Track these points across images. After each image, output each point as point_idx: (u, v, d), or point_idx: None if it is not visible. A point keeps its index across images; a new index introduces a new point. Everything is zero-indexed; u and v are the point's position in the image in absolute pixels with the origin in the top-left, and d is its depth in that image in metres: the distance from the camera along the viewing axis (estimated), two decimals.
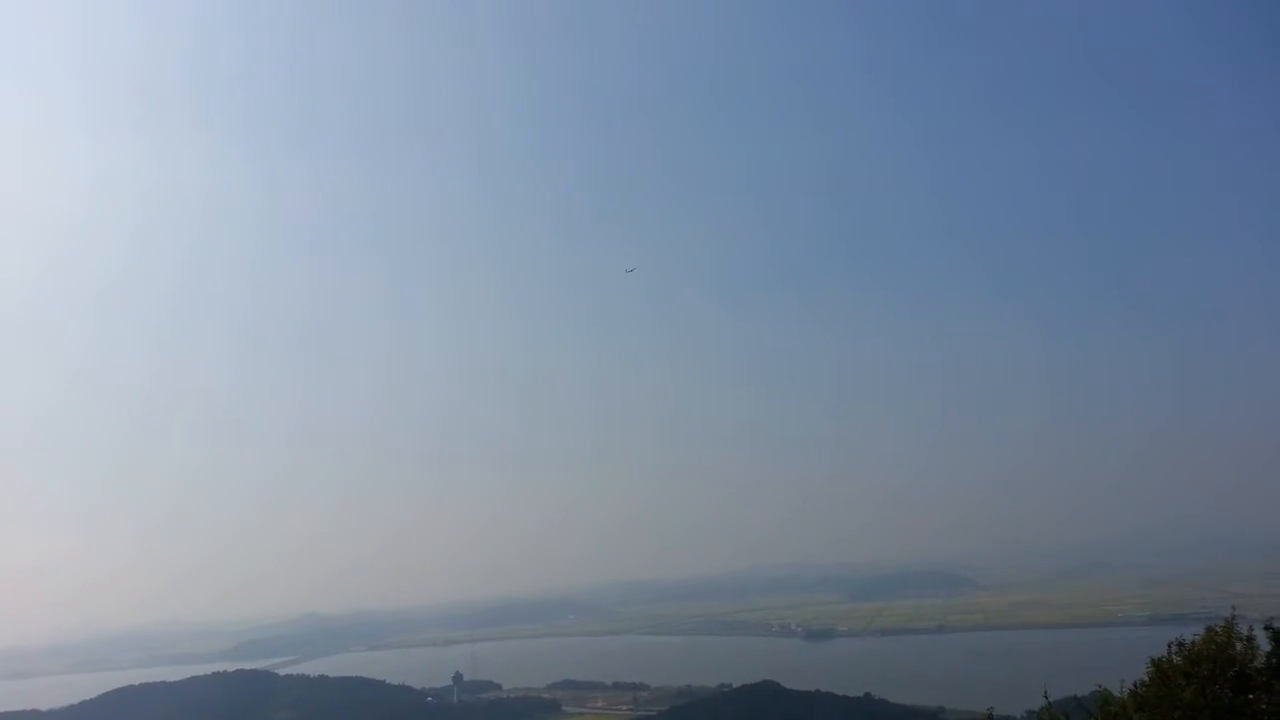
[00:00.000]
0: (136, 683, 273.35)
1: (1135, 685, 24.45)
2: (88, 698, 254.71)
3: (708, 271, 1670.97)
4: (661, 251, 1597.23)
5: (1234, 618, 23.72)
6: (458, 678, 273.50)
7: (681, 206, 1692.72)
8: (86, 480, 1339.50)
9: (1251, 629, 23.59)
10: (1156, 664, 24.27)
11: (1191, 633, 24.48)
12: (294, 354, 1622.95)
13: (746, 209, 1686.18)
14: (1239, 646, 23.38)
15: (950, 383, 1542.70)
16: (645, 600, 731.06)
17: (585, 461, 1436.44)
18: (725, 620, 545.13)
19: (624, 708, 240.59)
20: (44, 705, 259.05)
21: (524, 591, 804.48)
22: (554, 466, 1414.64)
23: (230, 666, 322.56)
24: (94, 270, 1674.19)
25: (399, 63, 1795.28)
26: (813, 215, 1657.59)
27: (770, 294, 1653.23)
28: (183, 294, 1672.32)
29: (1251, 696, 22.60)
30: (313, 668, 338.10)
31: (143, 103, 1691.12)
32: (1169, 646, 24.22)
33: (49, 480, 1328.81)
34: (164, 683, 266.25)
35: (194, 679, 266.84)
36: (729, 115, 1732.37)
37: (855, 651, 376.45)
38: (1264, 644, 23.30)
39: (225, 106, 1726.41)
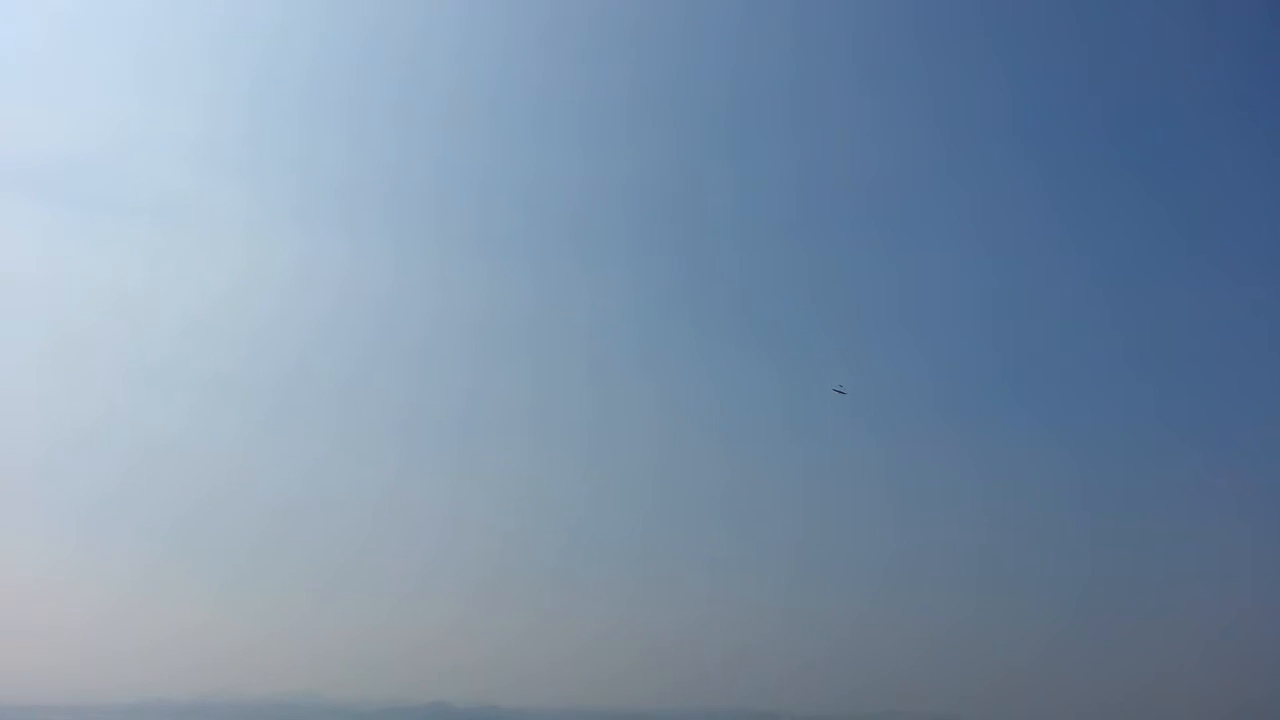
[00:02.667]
0: None
1: None
2: None
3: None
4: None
5: None
6: None
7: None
8: (243, 551, 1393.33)
9: None
10: None
11: None
12: (448, 446, 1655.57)
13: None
14: None
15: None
16: None
17: (727, 578, 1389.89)
18: None
19: None
20: None
21: (655, 703, 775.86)
22: (695, 577, 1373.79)
23: None
24: (280, 357, 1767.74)
25: (569, 168, 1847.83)
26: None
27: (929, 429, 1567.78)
28: (354, 383, 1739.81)
29: None
30: None
31: (340, 201, 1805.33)
32: None
33: (210, 550, 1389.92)
34: None
35: None
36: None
37: None
38: None
39: (413, 209, 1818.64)
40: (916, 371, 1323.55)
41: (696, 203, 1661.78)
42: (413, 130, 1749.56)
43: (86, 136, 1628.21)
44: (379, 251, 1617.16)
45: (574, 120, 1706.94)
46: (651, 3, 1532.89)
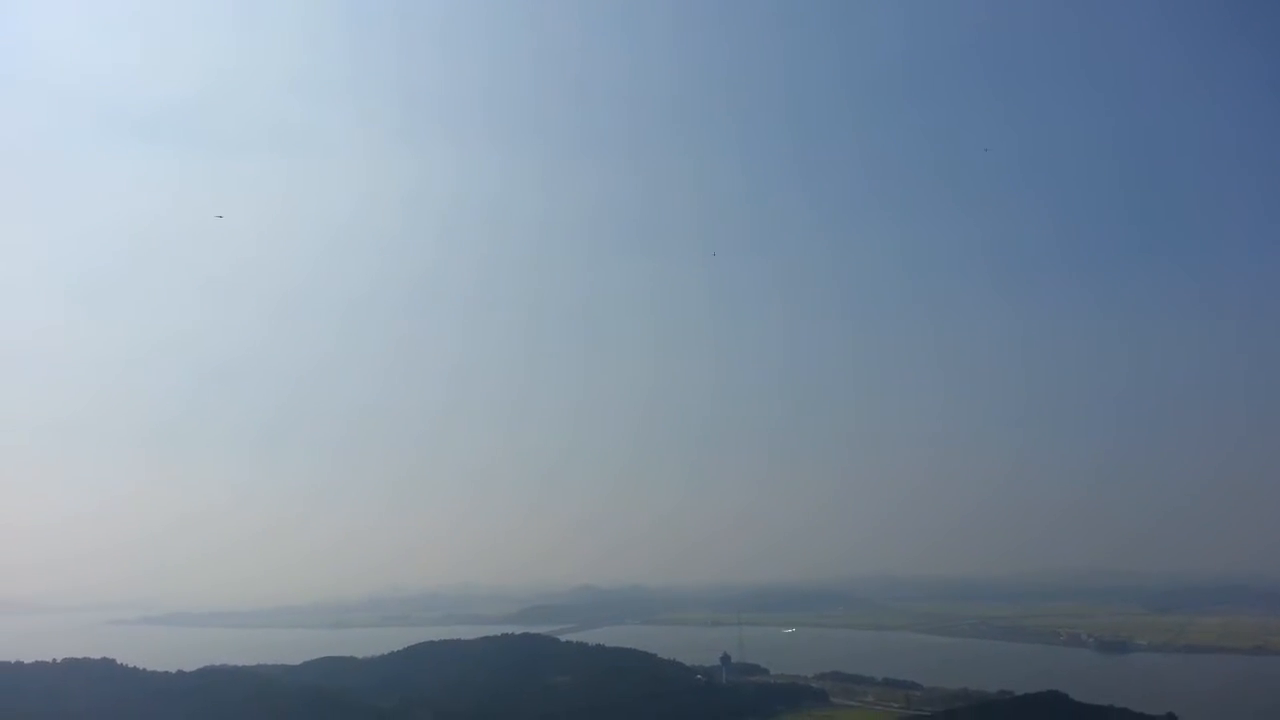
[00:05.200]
0: (435, 639, 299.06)
1: None
2: (395, 649, 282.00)
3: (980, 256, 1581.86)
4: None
5: None
6: (726, 659, 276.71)
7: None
8: (398, 462, 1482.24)
9: None
10: None
11: None
12: (574, 346, 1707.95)
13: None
14: None
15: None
16: (915, 598, 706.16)
17: (852, 453, 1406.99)
18: (1004, 625, 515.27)
19: (895, 705, 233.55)
20: (359, 653, 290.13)
21: (789, 579, 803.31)
22: (821, 456, 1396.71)
23: (516, 629, 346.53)
24: (410, 272, 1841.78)
25: (666, 65, 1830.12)
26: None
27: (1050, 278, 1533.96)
28: (479, 291, 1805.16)
29: None
30: (589, 636, 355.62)
31: (444, 118, 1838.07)
32: None
33: (367, 463, 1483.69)
34: (459, 640, 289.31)
35: (485, 638, 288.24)
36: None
37: (1156, 667, 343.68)
38: None
39: (517, 119, 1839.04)
40: (1037, 219, 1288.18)
41: (804, 75, 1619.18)
42: (507, 39, 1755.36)
43: (194, 79, 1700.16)
44: (484, 161, 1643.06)
45: (669, 11, 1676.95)
46: None
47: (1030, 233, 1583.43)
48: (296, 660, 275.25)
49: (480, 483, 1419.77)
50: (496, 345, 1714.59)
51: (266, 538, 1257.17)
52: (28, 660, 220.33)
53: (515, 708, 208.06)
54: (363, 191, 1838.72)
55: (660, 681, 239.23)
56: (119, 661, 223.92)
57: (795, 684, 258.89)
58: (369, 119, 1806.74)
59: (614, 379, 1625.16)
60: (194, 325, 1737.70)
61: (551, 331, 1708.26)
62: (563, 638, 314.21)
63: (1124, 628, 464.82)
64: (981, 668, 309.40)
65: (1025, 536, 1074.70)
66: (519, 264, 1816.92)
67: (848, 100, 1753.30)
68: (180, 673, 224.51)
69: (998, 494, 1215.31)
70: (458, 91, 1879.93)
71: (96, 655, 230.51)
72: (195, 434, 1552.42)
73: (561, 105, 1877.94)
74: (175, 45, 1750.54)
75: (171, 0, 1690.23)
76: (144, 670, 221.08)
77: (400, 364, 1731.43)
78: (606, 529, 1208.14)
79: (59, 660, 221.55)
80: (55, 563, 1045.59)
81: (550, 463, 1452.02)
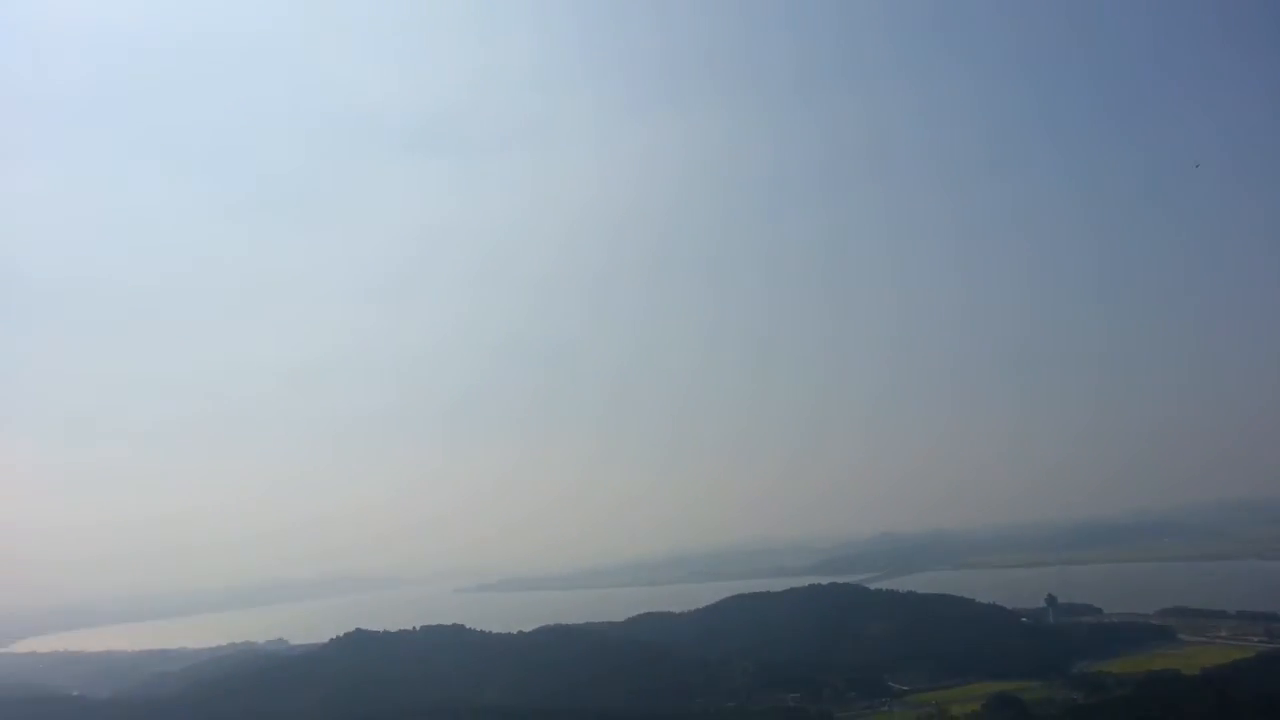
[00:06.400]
0: (745, 591, 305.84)
1: None
2: (708, 603, 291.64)
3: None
4: None
5: None
6: (1051, 599, 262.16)
7: None
8: (675, 425, 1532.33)
9: None
10: None
11: None
12: (814, 292, 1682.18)
13: None
14: None
15: None
16: (1258, 521, 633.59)
17: (1190, 373, 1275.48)
18: None
19: (1255, 638, 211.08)
20: (675, 608, 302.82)
21: (1108, 513, 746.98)
22: (1149, 375, 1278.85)
23: (822, 580, 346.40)
24: (645, 234, 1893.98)
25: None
26: None
27: None
28: (719, 242, 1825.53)
29: None
30: (898, 584, 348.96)
31: (666, 84, 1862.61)
32: None
33: (643, 427, 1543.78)
34: (768, 592, 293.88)
35: (792, 590, 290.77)
36: None
37: None
38: None
39: (734, 68, 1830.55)
40: None
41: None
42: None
43: (445, 89, 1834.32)
44: (710, 118, 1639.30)
45: None
46: None
47: None
48: (620, 617, 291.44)
49: (759, 436, 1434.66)
50: (736, 292, 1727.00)
51: (569, 504, 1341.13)
52: (393, 629, 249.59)
53: (833, 657, 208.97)
54: (601, 171, 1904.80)
55: (981, 627, 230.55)
56: (467, 626, 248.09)
57: (1135, 622, 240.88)
58: (600, 102, 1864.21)
59: (877, 315, 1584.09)
60: (484, 312, 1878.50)
61: (788, 276, 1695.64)
62: (871, 585, 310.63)
63: None
64: None
65: None
66: (755, 215, 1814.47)
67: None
68: (520, 633, 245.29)
69: None
70: (675, 54, 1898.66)
71: (448, 622, 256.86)
72: (494, 414, 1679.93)
73: (778, 44, 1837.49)
74: (428, 63, 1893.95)
75: (417, 22, 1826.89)
76: (489, 633, 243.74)
77: (645, 323, 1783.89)
78: (898, 473, 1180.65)
79: (418, 628, 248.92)
80: (398, 539, 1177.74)
81: (826, 411, 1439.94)
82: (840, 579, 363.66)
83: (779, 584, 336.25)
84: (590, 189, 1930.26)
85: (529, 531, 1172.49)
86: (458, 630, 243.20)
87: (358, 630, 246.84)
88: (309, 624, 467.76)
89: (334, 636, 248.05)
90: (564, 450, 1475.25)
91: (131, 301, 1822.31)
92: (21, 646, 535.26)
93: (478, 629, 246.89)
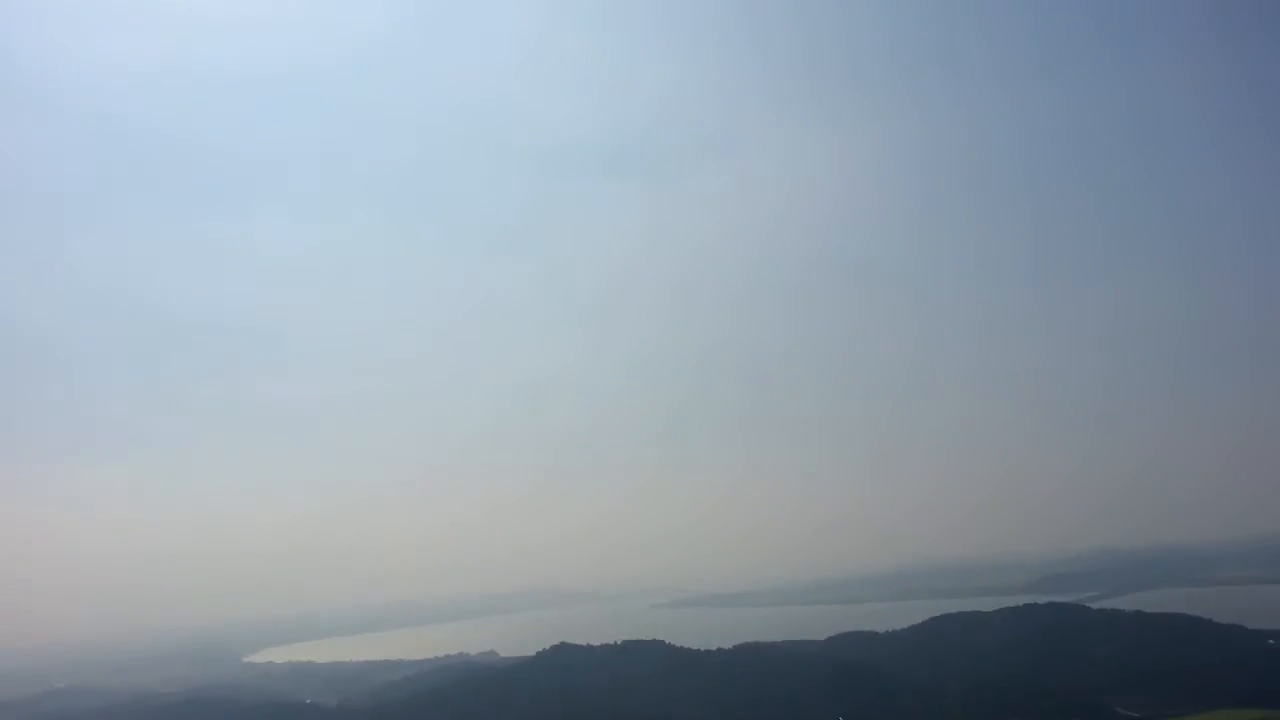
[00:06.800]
0: (952, 610, 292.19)
1: None
2: (914, 622, 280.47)
3: None
4: None
5: None
6: None
7: None
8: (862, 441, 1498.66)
9: None
10: None
11: None
12: (1024, 295, 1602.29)
13: None
14: None
15: None
16: None
17: None
18: None
19: None
20: (878, 628, 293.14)
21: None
22: None
23: (1040, 599, 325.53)
24: (846, 241, 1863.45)
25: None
26: None
27: None
28: (921, 246, 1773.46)
29: None
30: (1122, 603, 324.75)
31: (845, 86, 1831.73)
32: None
33: (836, 445, 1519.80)
34: (978, 611, 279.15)
35: (1005, 609, 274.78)
36: None
37: None
38: None
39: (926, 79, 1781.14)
40: None
41: None
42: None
43: (635, 112, 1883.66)
44: (907, 129, 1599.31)
45: None
46: None
47: None
48: (820, 636, 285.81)
49: (969, 447, 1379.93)
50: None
51: (775, 521, 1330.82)
52: (595, 643, 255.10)
53: (1053, 681, 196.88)
54: (795, 180, 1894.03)
55: (1221, 649, 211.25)
56: (666, 641, 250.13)
57: None
58: (780, 113, 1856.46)
59: (1091, 318, 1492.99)
60: (688, 329, 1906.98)
61: (1010, 278, 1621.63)
62: (1093, 605, 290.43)
63: None
64: None
65: None
66: (955, 218, 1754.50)
67: None
68: (719, 650, 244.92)
69: None
70: (862, 58, 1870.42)
71: (648, 637, 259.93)
72: (702, 431, 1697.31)
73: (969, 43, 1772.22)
74: (618, 88, 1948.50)
75: (604, 48, 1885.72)
76: (688, 649, 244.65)
77: (864, 338, 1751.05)
78: (1117, 484, 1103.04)
79: (619, 642, 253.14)
80: (602, 555, 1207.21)
81: (1039, 420, 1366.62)
82: (1058, 598, 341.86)
83: (988, 603, 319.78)
84: (786, 198, 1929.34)
85: (733, 548, 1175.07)
86: (657, 645, 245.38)
87: (562, 643, 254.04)
88: (516, 636, 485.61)
89: (540, 650, 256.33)
90: (772, 465, 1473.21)
91: (384, 338, 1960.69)
92: (259, 656, 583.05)
93: (676, 644, 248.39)
